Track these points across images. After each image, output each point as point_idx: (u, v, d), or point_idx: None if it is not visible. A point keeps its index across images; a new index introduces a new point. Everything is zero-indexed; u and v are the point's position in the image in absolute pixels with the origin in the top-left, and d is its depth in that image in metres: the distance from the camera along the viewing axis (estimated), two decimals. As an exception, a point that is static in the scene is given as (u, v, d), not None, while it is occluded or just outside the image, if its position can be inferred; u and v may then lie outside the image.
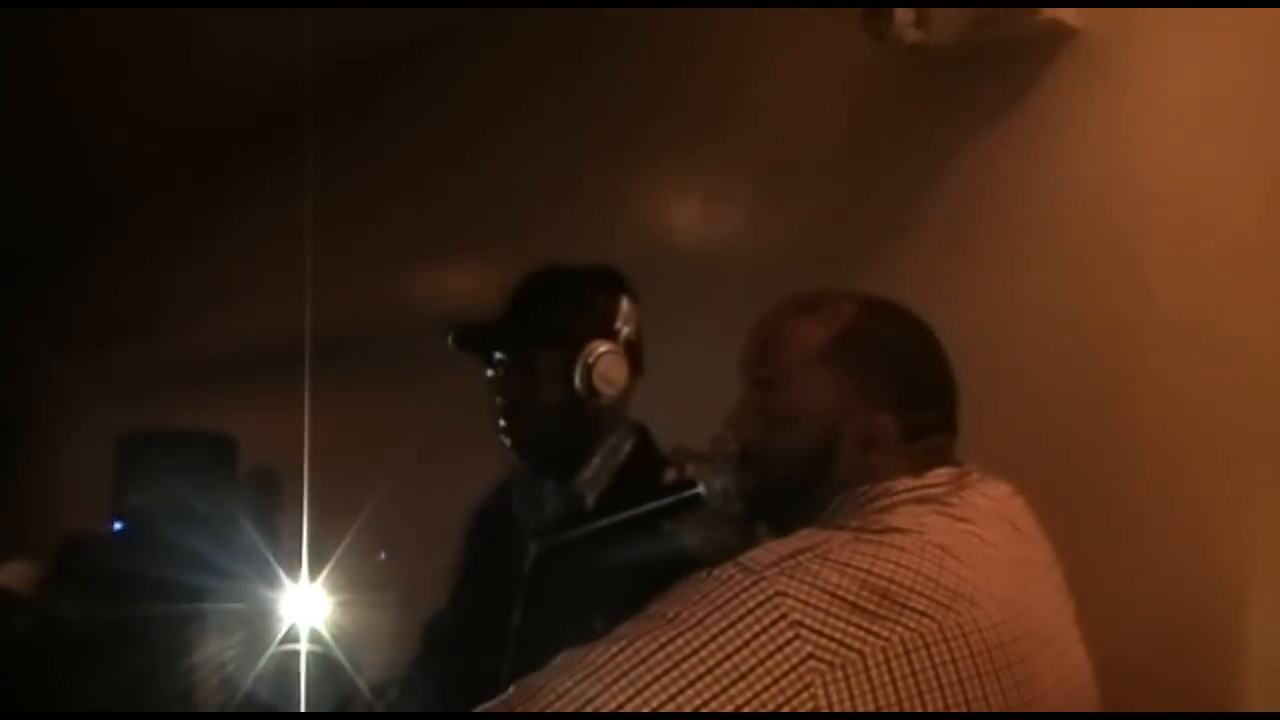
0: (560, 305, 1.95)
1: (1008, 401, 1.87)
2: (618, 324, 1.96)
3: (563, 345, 1.91)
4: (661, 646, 1.17)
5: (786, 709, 1.14)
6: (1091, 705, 1.39)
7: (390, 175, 3.87)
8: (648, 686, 1.15)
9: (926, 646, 1.20)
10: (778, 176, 2.51)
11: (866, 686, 1.17)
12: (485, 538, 2.06)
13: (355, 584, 2.85)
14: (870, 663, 1.17)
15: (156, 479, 3.84)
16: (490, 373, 1.99)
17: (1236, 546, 1.78)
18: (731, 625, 1.17)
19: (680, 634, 1.18)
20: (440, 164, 3.64)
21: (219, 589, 3.14)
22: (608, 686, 1.16)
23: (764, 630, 1.16)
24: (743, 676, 1.15)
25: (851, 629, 1.18)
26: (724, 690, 1.14)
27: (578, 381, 1.89)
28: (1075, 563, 1.44)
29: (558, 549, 1.77)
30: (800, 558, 1.23)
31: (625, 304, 1.98)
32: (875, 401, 1.41)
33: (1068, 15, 1.99)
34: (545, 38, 3.24)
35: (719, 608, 1.19)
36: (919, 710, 1.18)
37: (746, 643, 1.16)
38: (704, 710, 1.14)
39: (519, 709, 1.19)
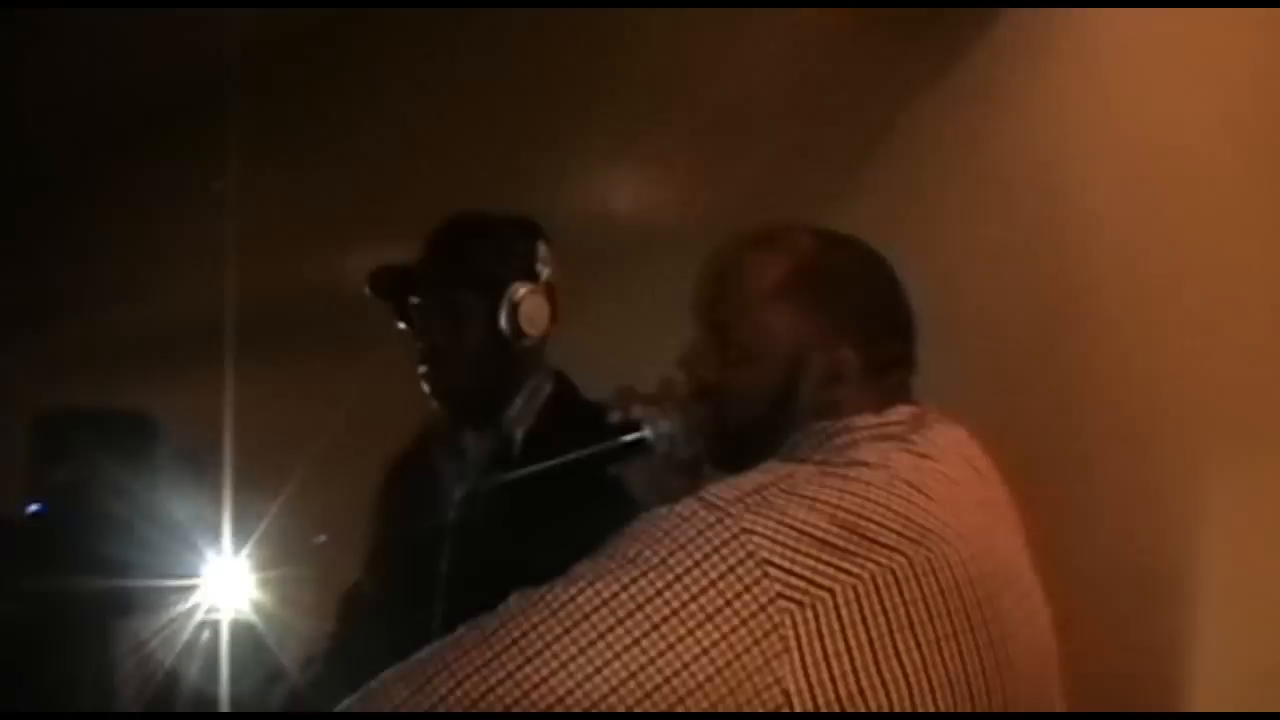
0: (480, 247, 1.96)
1: (958, 353, 1.85)
2: (538, 266, 1.96)
3: (485, 286, 1.92)
4: (625, 587, 1.12)
5: (755, 649, 1.10)
6: (1052, 651, 1.36)
7: (317, 149, 3.79)
8: (610, 630, 1.10)
9: (898, 583, 1.16)
10: (726, 134, 2.49)
11: (837, 625, 1.13)
12: (403, 493, 2.04)
13: (280, 560, 2.81)
14: (841, 600, 1.13)
15: (77, 458, 3.75)
16: (407, 320, 1.97)
17: (1187, 506, 1.77)
18: (696, 565, 1.12)
19: (643, 574, 1.13)
20: (371, 137, 3.58)
21: (142, 566, 3.08)
22: (568, 630, 1.11)
23: (730, 569, 1.12)
24: (709, 618, 1.10)
25: (821, 566, 1.14)
26: (690, 633, 1.10)
27: (503, 322, 1.90)
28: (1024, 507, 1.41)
29: (485, 493, 1.73)
30: (766, 492, 1.18)
31: (543, 248, 1.99)
32: (837, 335, 1.36)
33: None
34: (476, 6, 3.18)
35: (682, 546, 1.14)
36: (891, 646, 1.14)
37: (713, 582, 1.11)
38: (670, 652, 1.09)
39: (472, 651, 1.13)
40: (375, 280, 1.97)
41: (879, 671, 1.13)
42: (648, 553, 1.14)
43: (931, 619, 1.17)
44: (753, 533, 1.13)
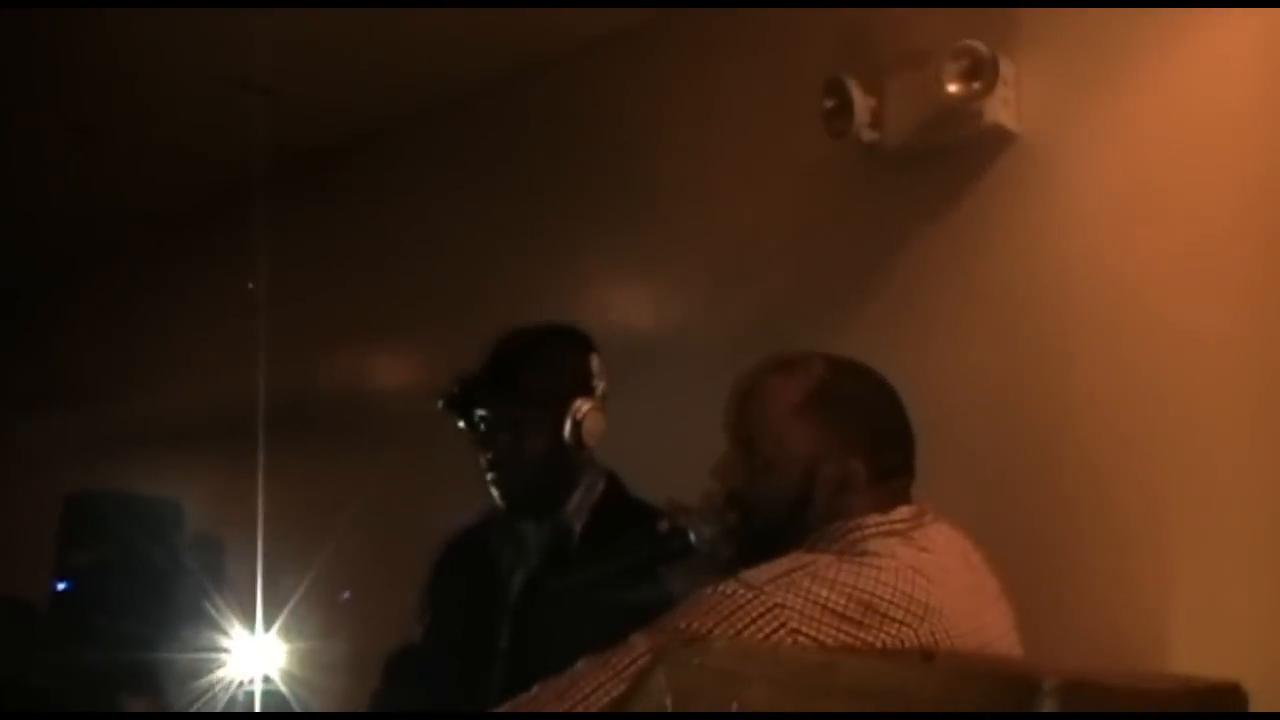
0: (542, 365, 2.12)
1: (952, 455, 2.06)
2: (594, 381, 2.14)
3: (548, 402, 2.08)
4: None
5: None
6: None
7: (343, 252, 4.00)
8: None
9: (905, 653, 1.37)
10: (733, 262, 2.71)
11: None
12: (462, 570, 2.19)
13: (307, 632, 2.96)
14: None
15: (103, 538, 3.91)
16: (472, 427, 2.14)
17: (1160, 571, 2.00)
18: (738, 635, 1.34)
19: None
20: (395, 243, 3.79)
21: (164, 642, 3.22)
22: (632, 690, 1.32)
23: (767, 637, 1.33)
24: None
25: (842, 636, 1.35)
26: None
27: (567, 436, 2.07)
28: (1014, 592, 1.62)
29: (548, 578, 1.91)
30: (793, 575, 1.40)
31: (596, 361, 2.16)
32: (846, 448, 1.59)
33: (1007, 120, 2.23)
34: (503, 126, 3.43)
35: (725, 618, 1.35)
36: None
37: None
38: None
39: (546, 706, 1.33)
40: (449, 396, 2.13)
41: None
42: (695, 624, 1.36)
43: None
44: (784, 607, 1.35)
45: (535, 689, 1.38)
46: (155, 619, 3.40)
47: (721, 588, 1.40)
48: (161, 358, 4.73)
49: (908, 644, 1.38)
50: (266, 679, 2.90)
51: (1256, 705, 1.29)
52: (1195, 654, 1.94)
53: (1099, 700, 1.10)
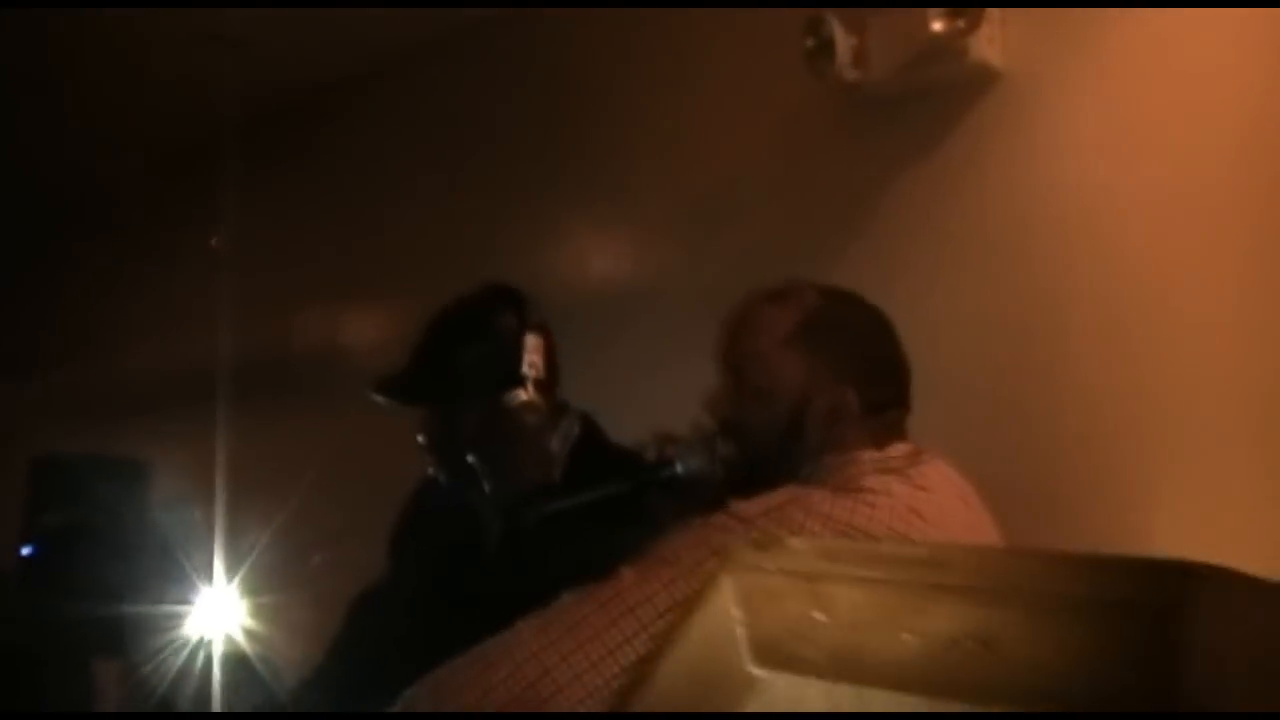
0: (466, 354, 2.04)
1: (939, 397, 2.03)
2: (524, 368, 2.03)
3: (477, 396, 2.00)
4: (665, 585, 1.30)
5: None
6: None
7: (311, 208, 3.93)
8: (653, 621, 1.27)
9: None
10: (712, 206, 2.66)
11: None
12: (434, 514, 2.14)
13: (270, 586, 2.91)
14: None
15: (71, 501, 3.85)
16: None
17: (1150, 515, 1.98)
18: None
19: (681, 575, 1.30)
20: (364, 197, 3.72)
21: (130, 601, 3.16)
22: (615, 621, 1.28)
23: None
24: None
25: None
26: None
27: (496, 434, 1.99)
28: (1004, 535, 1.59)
29: (525, 525, 1.86)
30: (785, 508, 1.37)
31: (529, 339, 2.05)
32: (839, 378, 1.56)
33: (992, 57, 2.18)
34: (473, 76, 3.36)
35: (715, 551, 1.31)
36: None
37: None
38: None
39: (530, 640, 1.30)
40: (376, 390, 2.08)
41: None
42: (684, 555, 1.32)
43: None
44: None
45: (519, 623, 1.34)
46: (123, 580, 3.35)
47: (711, 520, 1.37)
48: (128, 318, 4.65)
49: (900, 582, 1.34)
50: (227, 638, 2.85)
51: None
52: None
53: (1250, 598, 0.89)
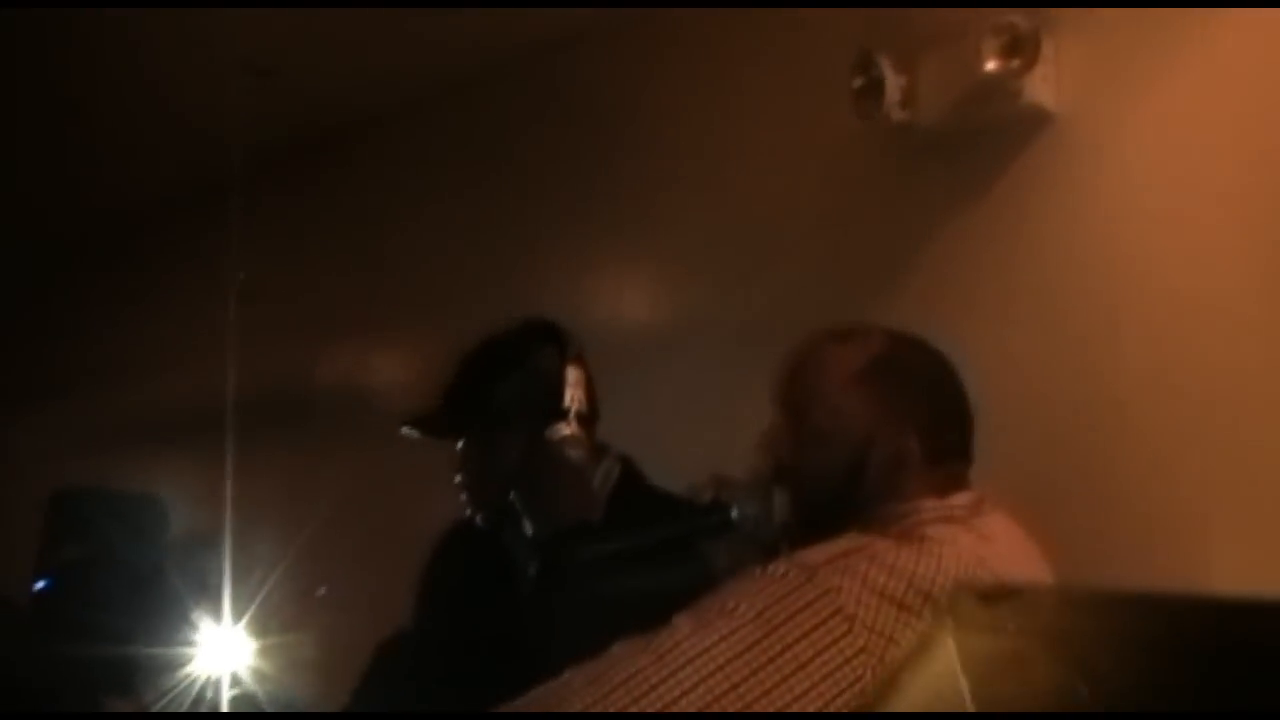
0: (505, 388, 1.99)
1: (990, 445, 1.98)
2: (566, 401, 1.98)
3: (518, 430, 1.95)
4: (724, 637, 1.23)
5: (839, 700, 1.20)
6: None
7: (332, 244, 3.90)
8: (711, 675, 1.20)
9: None
10: (757, 241, 2.61)
11: None
12: (468, 554, 2.08)
13: (280, 627, 2.85)
14: None
15: (87, 536, 3.79)
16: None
17: (1203, 568, 1.92)
18: (790, 618, 1.23)
19: (742, 625, 1.23)
20: (388, 234, 3.68)
21: (142, 639, 3.11)
22: (673, 673, 1.21)
23: (821, 624, 1.23)
24: (801, 667, 1.21)
25: (900, 626, 1.25)
26: (784, 680, 1.20)
27: (539, 468, 1.93)
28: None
29: (565, 567, 1.80)
30: (850, 557, 1.30)
31: (570, 372, 2.00)
32: (903, 425, 1.49)
33: (1046, 100, 2.14)
34: (509, 113, 3.31)
35: (777, 601, 1.25)
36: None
37: (805, 634, 1.22)
38: (765, 699, 1.19)
39: (582, 691, 1.23)
40: (413, 427, 2.03)
41: (949, 724, 1.24)
42: (744, 606, 1.25)
43: None
44: (839, 590, 1.25)
45: (568, 673, 1.27)
46: (136, 617, 3.30)
47: (772, 568, 1.30)
48: (148, 351, 4.60)
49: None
50: (236, 678, 2.79)
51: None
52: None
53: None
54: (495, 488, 1.95)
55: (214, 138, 3.88)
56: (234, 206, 3.58)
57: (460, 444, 2.00)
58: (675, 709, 1.20)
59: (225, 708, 2.77)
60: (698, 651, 1.22)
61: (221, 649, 2.78)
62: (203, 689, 2.69)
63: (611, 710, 1.20)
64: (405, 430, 2.01)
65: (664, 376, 2.54)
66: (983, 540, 1.41)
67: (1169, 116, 2.05)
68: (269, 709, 2.57)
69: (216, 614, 2.82)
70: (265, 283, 3.62)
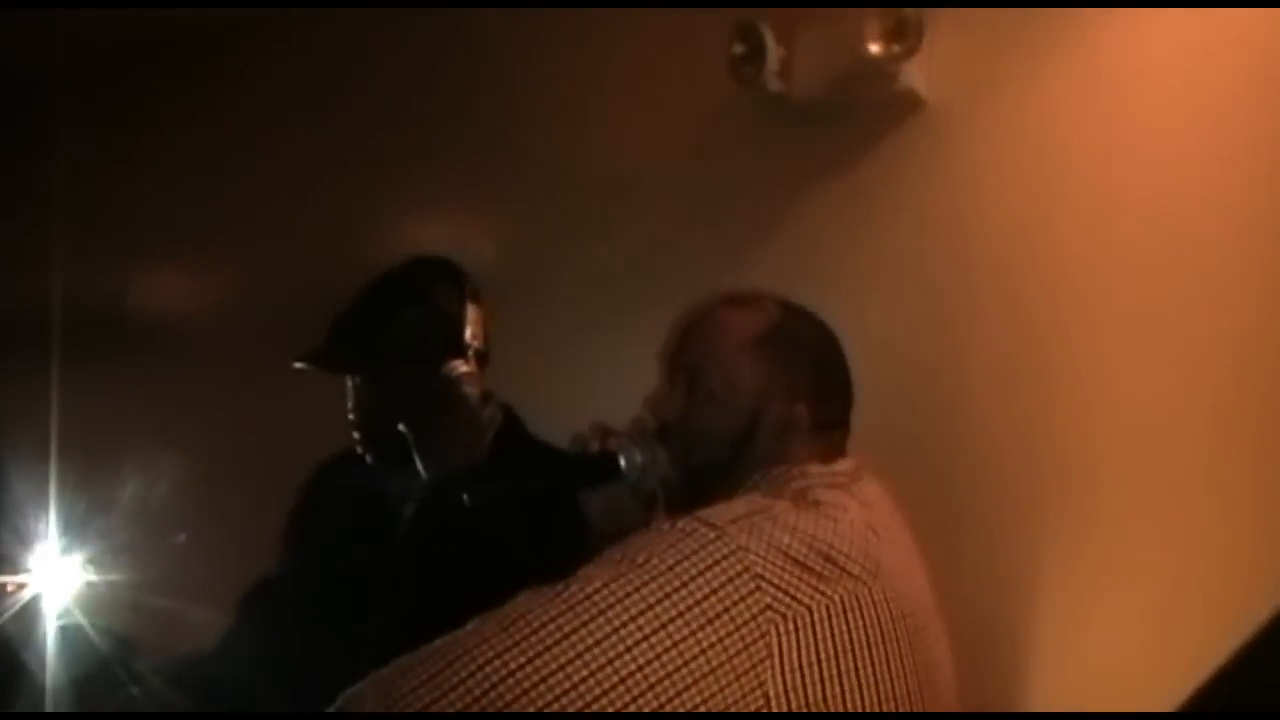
0: (405, 323, 1.98)
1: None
2: (467, 338, 1.98)
3: (416, 367, 1.94)
4: (636, 589, 1.25)
5: (744, 654, 1.24)
6: (954, 686, 1.55)
7: (161, 154, 3.69)
8: (624, 625, 1.22)
9: (860, 608, 1.33)
10: (621, 198, 2.61)
11: (811, 639, 1.28)
12: (339, 496, 2.04)
13: (124, 565, 2.72)
14: (816, 617, 1.29)
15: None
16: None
17: (1031, 548, 2.03)
18: (700, 574, 1.26)
19: (653, 578, 1.26)
20: (223, 147, 3.51)
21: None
22: (585, 624, 1.22)
23: (729, 580, 1.26)
24: (709, 621, 1.24)
25: (804, 586, 1.29)
26: (692, 634, 1.23)
27: (435, 403, 1.92)
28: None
29: (446, 510, 1.78)
30: (753, 519, 1.34)
31: (471, 310, 2.01)
32: (793, 392, 1.55)
33: (920, 86, 2.21)
34: (372, 37, 3.19)
35: (687, 556, 1.28)
36: (853, 661, 1.30)
37: (714, 590, 1.26)
38: (674, 650, 1.22)
39: (492, 639, 1.22)
40: (311, 355, 1.98)
41: (843, 683, 1.30)
42: (655, 560, 1.27)
43: (884, 642, 1.34)
44: (747, 550, 1.29)
45: (475, 621, 1.26)
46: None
47: (681, 524, 1.33)
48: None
49: (862, 601, 1.34)
50: (66, 611, 2.65)
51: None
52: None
53: None
54: (386, 424, 1.92)
55: (30, 45, 3.66)
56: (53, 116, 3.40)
57: (354, 380, 1.95)
58: (587, 657, 1.21)
59: (50, 639, 2.61)
60: (609, 603, 1.24)
61: (49, 578, 2.62)
62: (26, 617, 2.53)
63: (521, 660, 1.20)
64: (298, 365, 1.95)
65: (518, 328, 2.52)
66: (865, 506, 1.47)
67: (1035, 113, 2.13)
68: (98, 646, 2.45)
69: (45, 542, 2.66)
70: (83, 196, 3.44)
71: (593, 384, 2.39)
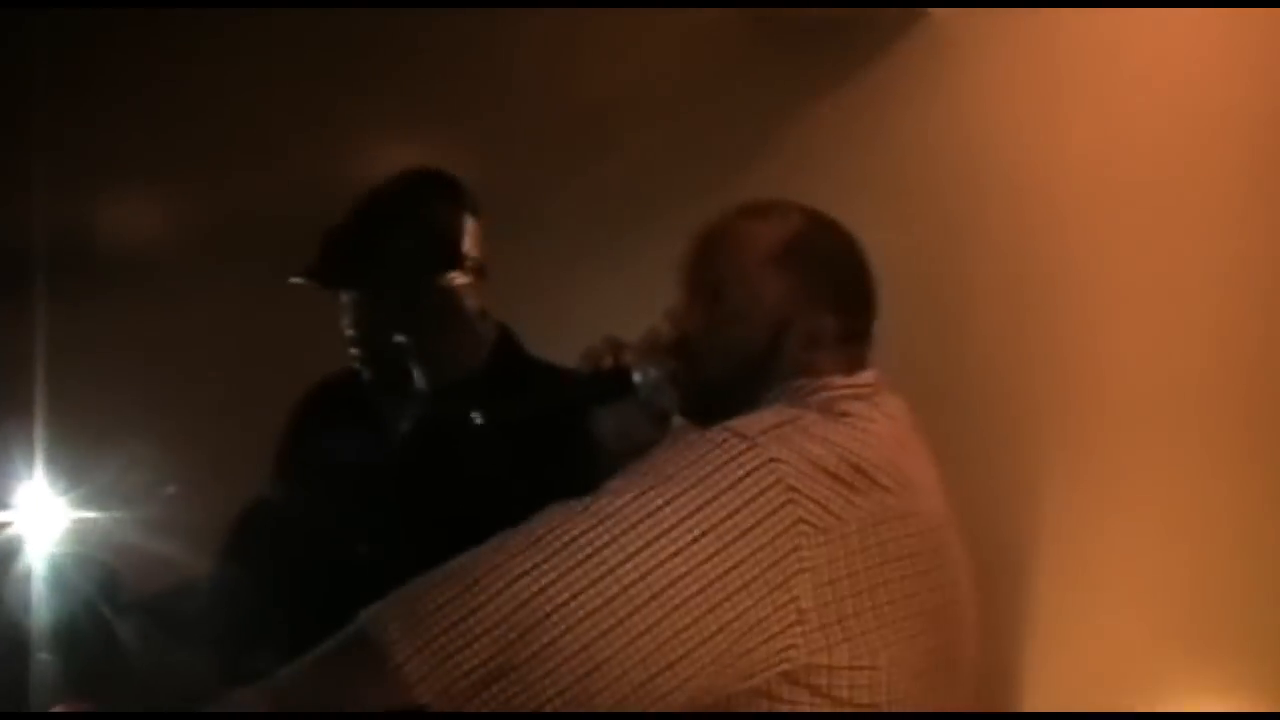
0: (403, 236, 1.93)
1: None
2: (464, 247, 1.94)
3: (414, 278, 1.91)
4: (668, 501, 1.21)
5: (778, 566, 1.21)
6: (975, 600, 1.52)
7: (144, 79, 3.58)
8: (656, 539, 1.19)
9: (889, 520, 1.30)
10: (600, 121, 2.55)
11: (842, 551, 1.25)
12: (334, 416, 2.00)
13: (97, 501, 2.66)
14: (850, 530, 1.26)
15: None
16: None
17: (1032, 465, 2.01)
18: (732, 485, 1.23)
19: (684, 491, 1.22)
20: (204, 70, 3.40)
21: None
22: (616, 538, 1.19)
23: (762, 492, 1.23)
24: (743, 534, 1.21)
25: (836, 497, 1.26)
26: (725, 547, 1.20)
27: (434, 314, 1.89)
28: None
29: (444, 422, 1.75)
30: (782, 429, 1.30)
31: (468, 222, 1.96)
32: (818, 303, 1.49)
33: (923, -3, 2.16)
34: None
35: (719, 468, 1.24)
36: (883, 574, 1.28)
37: (747, 502, 1.22)
38: (708, 563, 1.19)
39: (521, 555, 1.19)
40: (309, 271, 1.94)
41: (874, 595, 1.27)
42: (686, 471, 1.24)
43: (912, 555, 1.32)
44: (779, 461, 1.25)
45: (500, 536, 1.22)
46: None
47: (710, 435, 1.29)
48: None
49: (891, 513, 1.31)
50: (50, 548, 2.58)
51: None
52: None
53: None
54: (385, 338, 1.87)
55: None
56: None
57: (351, 295, 1.90)
58: (619, 572, 1.18)
59: (34, 575, 2.54)
60: (640, 516, 1.21)
61: (33, 515, 2.55)
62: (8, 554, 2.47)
63: (552, 575, 1.17)
64: (294, 280, 1.89)
65: (513, 250, 2.47)
66: (889, 419, 1.44)
67: (1041, 23, 2.09)
68: (85, 581, 2.39)
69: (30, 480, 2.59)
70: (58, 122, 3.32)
71: (588, 305, 2.35)
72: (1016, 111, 2.10)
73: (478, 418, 1.50)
